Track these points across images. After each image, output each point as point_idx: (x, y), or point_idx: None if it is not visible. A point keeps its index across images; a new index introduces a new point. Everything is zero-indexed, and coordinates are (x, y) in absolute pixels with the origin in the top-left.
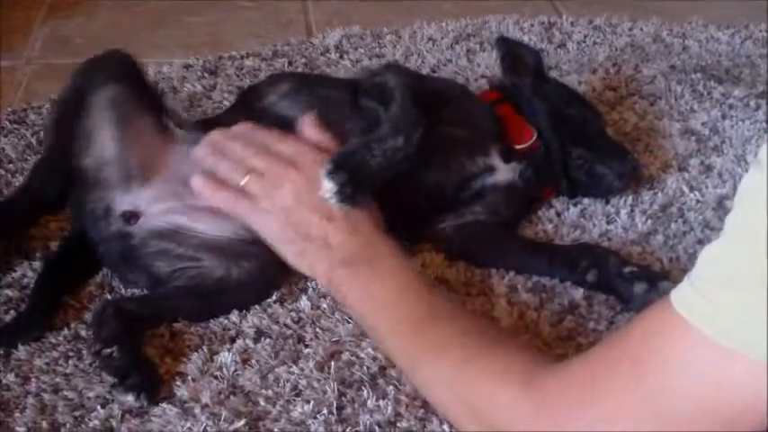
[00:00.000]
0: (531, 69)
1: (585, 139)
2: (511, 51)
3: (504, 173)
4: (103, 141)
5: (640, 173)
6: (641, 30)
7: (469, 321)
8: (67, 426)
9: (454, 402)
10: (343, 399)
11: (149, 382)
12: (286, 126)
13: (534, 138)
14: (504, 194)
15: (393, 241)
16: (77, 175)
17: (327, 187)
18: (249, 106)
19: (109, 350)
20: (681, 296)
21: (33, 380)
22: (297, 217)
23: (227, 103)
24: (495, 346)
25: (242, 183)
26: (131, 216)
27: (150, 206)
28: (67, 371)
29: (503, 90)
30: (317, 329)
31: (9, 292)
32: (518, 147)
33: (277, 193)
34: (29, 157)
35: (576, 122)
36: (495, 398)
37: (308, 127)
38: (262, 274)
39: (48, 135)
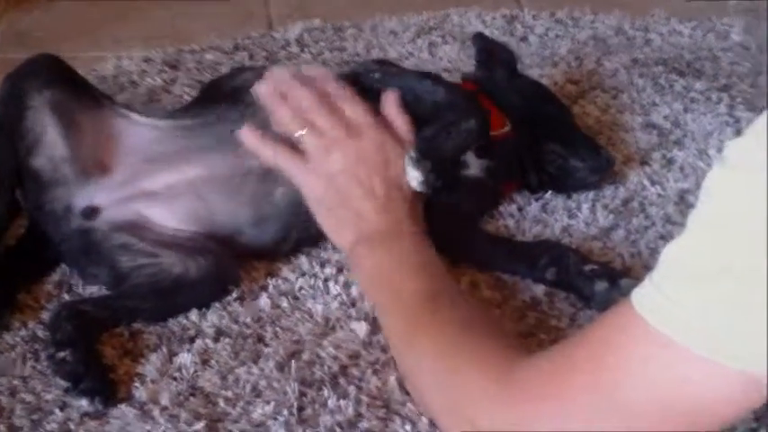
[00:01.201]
0: (506, 65)
1: (558, 134)
2: (486, 47)
3: (474, 167)
4: (51, 142)
5: (613, 167)
6: (603, 23)
7: (470, 311)
8: (24, 429)
9: (432, 387)
10: (304, 399)
11: (103, 385)
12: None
13: (507, 127)
14: (471, 189)
15: (421, 233)
16: (31, 176)
17: (414, 176)
18: (223, 89)
19: (62, 354)
20: (640, 294)
21: None
22: (342, 185)
23: (187, 98)
24: (482, 333)
25: (297, 134)
26: (91, 211)
27: (109, 197)
28: (25, 373)
29: (478, 82)
30: (277, 329)
31: None
32: (492, 133)
33: (330, 157)
34: None
35: (548, 117)
36: (470, 385)
37: (390, 103)
38: (219, 270)
39: None
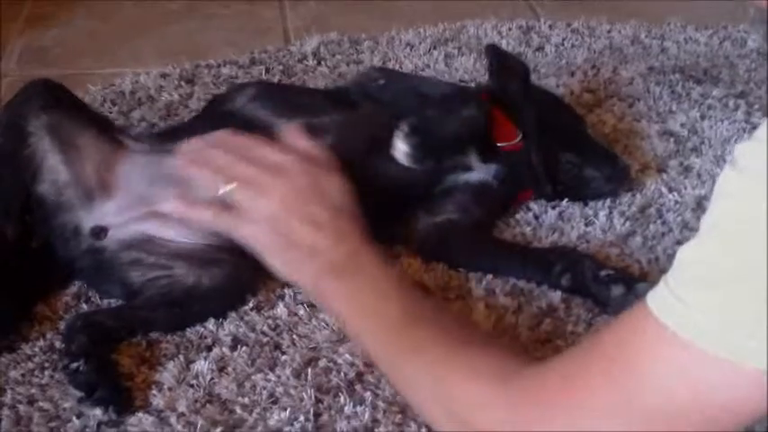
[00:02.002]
0: (519, 76)
1: (573, 144)
2: (499, 58)
3: (479, 172)
4: (53, 167)
5: (629, 176)
6: (619, 32)
7: (449, 323)
8: None
9: (432, 401)
10: (321, 405)
11: (117, 395)
12: (256, 128)
13: (519, 138)
14: (477, 194)
15: (376, 250)
16: (37, 202)
17: (400, 148)
18: (216, 111)
19: (76, 364)
20: (655, 297)
21: (9, 391)
22: (284, 226)
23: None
24: (473, 345)
25: (221, 191)
26: (100, 231)
27: (116, 218)
28: (43, 382)
29: (491, 93)
30: (294, 336)
31: None
32: (501, 144)
33: (263, 202)
34: None
35: (563, 127)
36: (471, 395)
37: (295, 135)
38: (233, 280)
39: None
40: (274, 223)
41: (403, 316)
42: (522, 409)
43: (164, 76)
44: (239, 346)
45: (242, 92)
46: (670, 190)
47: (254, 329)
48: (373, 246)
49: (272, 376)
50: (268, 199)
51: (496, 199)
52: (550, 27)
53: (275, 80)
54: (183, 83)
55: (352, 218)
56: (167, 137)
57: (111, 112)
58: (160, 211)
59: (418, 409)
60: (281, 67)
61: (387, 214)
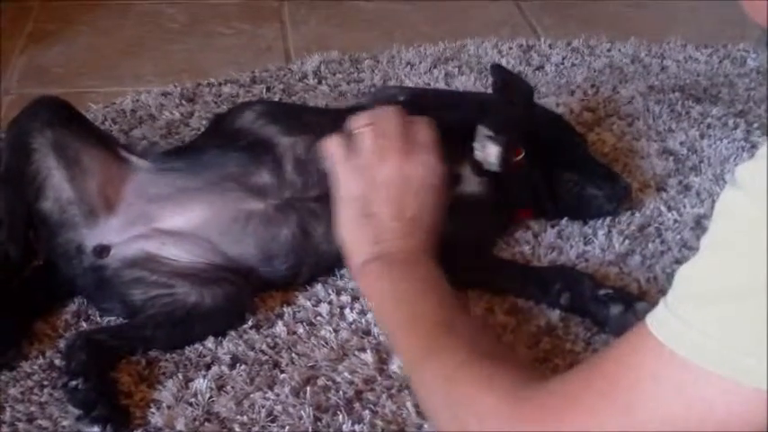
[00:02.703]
0: (522, 95)
1: (575, 162)
2: (503, 77)
3: (471, 185)
4: (57, 184)
5: (631, 195)
6: (619, 51)
7: (476, 335)
8: None
9: (443, 407)
10: (319, 424)
11: (115, 413)
12: (262, 147)
13: (522, 156)
14: (470, 207)
15: (435, 264)
16: (40, 219)
17: (492, 151)
18: (221, 129)
19: (75, 382)
20: (654, 316)
21: (8, 409)
22: (375, 196)
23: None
24: (492, 357)
25: (355, 129)
26: (102, 250)
27: (119, 236)
28: (42, 399)
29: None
30: (293, 355)
31: None
32: None
33: (376, 161)
34: None
35: (564, 146)
36: (480, 407)
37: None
38: (233, 299)
39: None
40: (369, 186)
41: (434, 320)
42: (524, 421)
43: (165, 94)
44: (238, 365)
45: (247, 109)
46: (669, 209)
47: (253, 348)
48: (434, 260)
49: (270, 395)
50: (382, 163)
51: (494, 215)
52: (550, 46)
53: (276, 99)
54: (184, 101)
55: (430, 229)
56: (172, 155)
57: (112, 131)
58: (162, 228)
59: (429, 412)
60: (281, 86)
61: None
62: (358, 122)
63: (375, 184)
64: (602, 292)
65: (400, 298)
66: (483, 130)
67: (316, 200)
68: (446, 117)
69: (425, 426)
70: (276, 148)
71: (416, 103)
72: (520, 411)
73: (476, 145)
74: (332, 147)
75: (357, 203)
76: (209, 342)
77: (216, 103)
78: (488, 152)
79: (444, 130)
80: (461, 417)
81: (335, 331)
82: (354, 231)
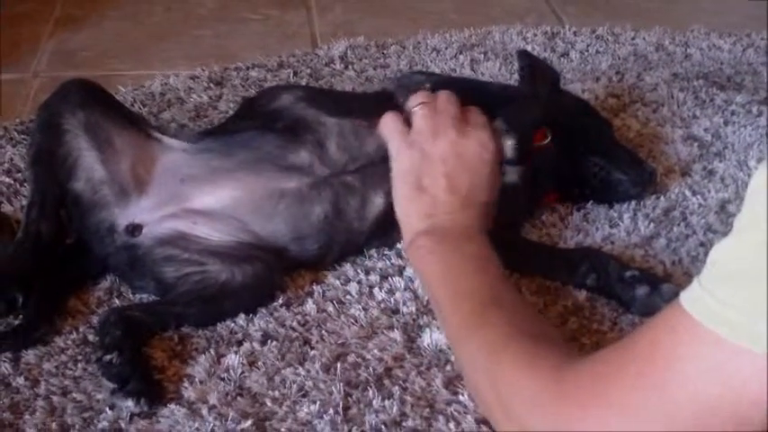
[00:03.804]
0: (549, 81)
1: (601, 148)
2: (531, 63)
3: (508, 174)
4: (89, 165)
5: (656, 180)
6: (644, 39)
7: (521, 312)
8: (77, 427)
9: (486, 385)
10: (349, 399)
11: (149, 387)
12: (304, 128)
13: (548, 139)
14: (505, 194)
15: (486, 240)
16: (73, 200)
17: (509, 145)
18: (256, 111)
19: (109, 356)
20: (689, 295)
21: (43, 383)
22: (432, 170)
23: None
24: (533, 336)
25: (414, 107)
26: (134, 228)
27: (151, 215)
28: (76, 374)
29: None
30: (323, 332)
31: None
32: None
33: (436, 140)
34: None
35: (590, 131)
36: (519, 385)
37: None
38: (264, 276)
39: (31, 172)
40: (424, 161)
41: (485, 296)
42: (561, 405)
43: (193, 78)
44: (269, 341)
45: (286, 92)
46: (694, 193)
47: (283, 325)
48: (486, 236)
49: (301, 370)
50: (436, 138)
51: (524, 200)
52: (575, 33)
53: (303, 83)
54: (212, 85)
55: (483, 205)
56: (205, 136)
57: (141, 113)
58: (193, 208)
59: (470, 386)
60: (308, 71)
61: None
62: (415, 101)
63: (429, 159)
64: (628, 273)
65: (449, 272)
66: (499, 124)
67: (354, 172)
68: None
69: (454, 403)
70: (320, 127)
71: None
72: (561, 395)
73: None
74: (389, 122)
75: (411, 177)
76: (241, 319)
77: (243, 86)
78: (505, 146)
79: None
80: (506, 399)
81: (365, 309)
82: (408, 205)
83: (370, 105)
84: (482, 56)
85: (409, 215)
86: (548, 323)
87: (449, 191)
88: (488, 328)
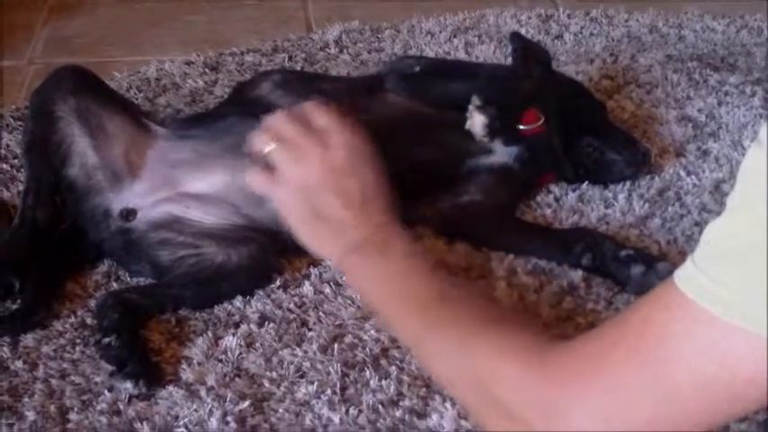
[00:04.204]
0: (542, 62)
1: (595, 128)
2: (523, 45)
3: (500, 155)
4: (82, 151)
5: (650, 160)
6: (637, 21)
7: (477, 301)
8: (75, 409)
9: (460, 376)
10: (347, 379)
11: (147, 369)
12: None
13: (541, 121)
14: (499, 176)
15: (403, 230)
16: (67, 185)
17: (479, 120)
18: (241, 97)
19: (108, 339)
20: (683, 273)
21: (41, 366)
22: (315, 196)
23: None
24: (501, 322)
25: (265, 150)
26: (129, 213)
27: (144, 200)
28: (74, 357)
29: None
30: (320, 314)
31: None
32: (523, 127)
33: (299, 168)
34: None
35: (584, 112)
36: (501, 371)
37: (311, 109)
38: (260, 258)
39: (25, 159)
40: (306, 192)
41: (430, 294)
42: (551, 383)
43: (188, 63)
44: (266, 323)
45: (266, 79)
46: (688, 173)
47: (280, 307)
48: (401, 226)
49: (299, 351)
50: (304, 166)
51: (518, 181)
52: (569, 16)
53: (298, 67)
54: (207, 70)
55: (383, 197)
56: (191, 122)
57: (136, 99)
58: (186, 192)
59: (445, 383)
60: (303, 55)
61: (413, 195)
62: (255, 146)
63: (308, 187)
64: (623, 252)
65: (387, 283)
66: (474, 101)
67: None
68: (460, 89)
69: None
70: None
71: (432, 73)
72: (548, 376)
73: (467, 115)
74: (253, 181)
75: (302, 212)
76: (238, 301)
77: (239, 71)
78: (474, 122)
79: (458, 101)
80: (486, 385)
81: None
82: (315, 237)
83: (345, 89)
84: (476, 39)
85: (321, 246)
86: (500, 306)
87: (345, 206)
88: (445, 325)
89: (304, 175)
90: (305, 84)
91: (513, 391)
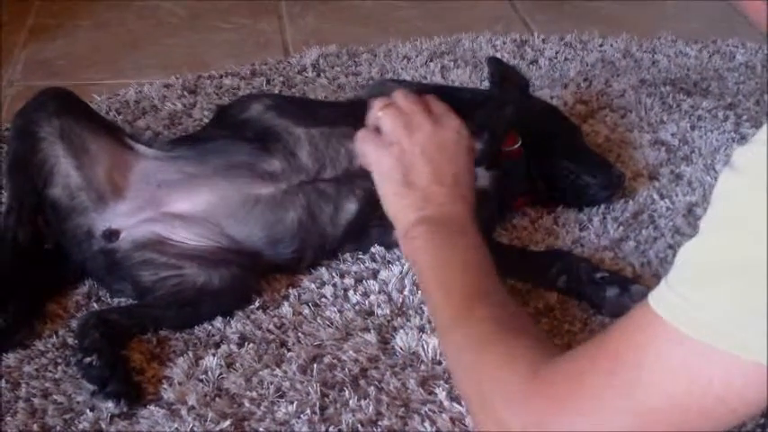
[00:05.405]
0: (519, 86)
1: (570, 152)
2: (500, 69)
3: (481, 180)
4: (65, 171)
5: (624, 184)
6: (611, 45)
7: (511, 313)
8: (58, 428)
9: (467, 379)
10: (326, 399)
11: (128, 388)
12: (273, 137)
13: (518, 144)
14: (478, 200)
15: (476, 228)
16: (50, 206)
17: (478, 146)
18: (228, 120)
19: (89, 359)
20: (656, 294)
21: (23, 385)
22: (411, 163)
23: (207, 121)
24: (518, 331)
25: (378, 113)
26: (112, 233)
27: (128, 220)
28: (56, 376)
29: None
30: (299, 334)
31: None
32: (504, 150)
33: (412, 136)
34: None
35: (559, 136)
36: (499, 382)
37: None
38: (241, 280)
39: (7, 179)
40: (404, 156)
41: (476, 289)
42: (534, 401)
43: (167, 86)
44: (246, 344)
45: (255, 101)
46: (662, 197)
47: (260, 327)
48: (476, 227)
49: (278, 372)
50: (413, 134)
51: (494, 204)
52: (543, 41)
53: (276, 91)
54: (185, 93)
55: (469, 193)
56: (179, 143)
57: (116, 121)
58: (169, 212)
59: (455, 376)
60: (281, 79)
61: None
62: (376, 107)
63: (410, 154)
64: (598, 275)
65: (441, 265)
66: (471, 126)
67: (329, 181)
68: None
69: (429, 402)
70: (289, 137)
71: None
72: (535, 392)
73: None
74: (361, 136)
75: (396, 174)
76: (218, 322)
77: (217, 94)
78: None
79: None
80: (486, 393)
81: (340, 312)
82: (398, 201)
83: (340, 114)
84: (452, 63)
85: (400, 210)
86: (529, 318)
87: (436, 182)
88: (474, 323)
89: (410, 142)
90: (295, 107)
91: (504, 401)
